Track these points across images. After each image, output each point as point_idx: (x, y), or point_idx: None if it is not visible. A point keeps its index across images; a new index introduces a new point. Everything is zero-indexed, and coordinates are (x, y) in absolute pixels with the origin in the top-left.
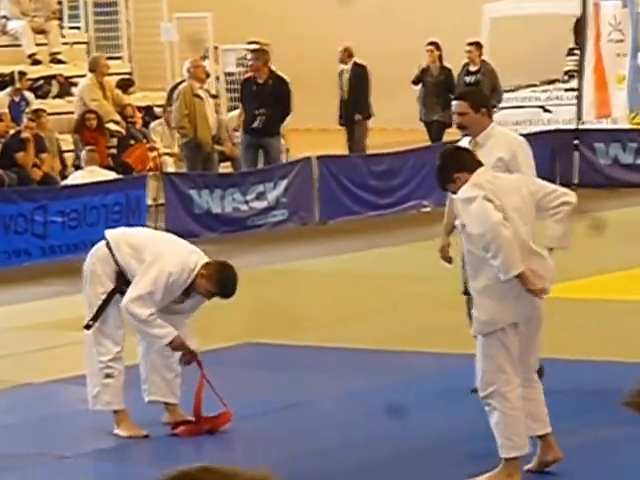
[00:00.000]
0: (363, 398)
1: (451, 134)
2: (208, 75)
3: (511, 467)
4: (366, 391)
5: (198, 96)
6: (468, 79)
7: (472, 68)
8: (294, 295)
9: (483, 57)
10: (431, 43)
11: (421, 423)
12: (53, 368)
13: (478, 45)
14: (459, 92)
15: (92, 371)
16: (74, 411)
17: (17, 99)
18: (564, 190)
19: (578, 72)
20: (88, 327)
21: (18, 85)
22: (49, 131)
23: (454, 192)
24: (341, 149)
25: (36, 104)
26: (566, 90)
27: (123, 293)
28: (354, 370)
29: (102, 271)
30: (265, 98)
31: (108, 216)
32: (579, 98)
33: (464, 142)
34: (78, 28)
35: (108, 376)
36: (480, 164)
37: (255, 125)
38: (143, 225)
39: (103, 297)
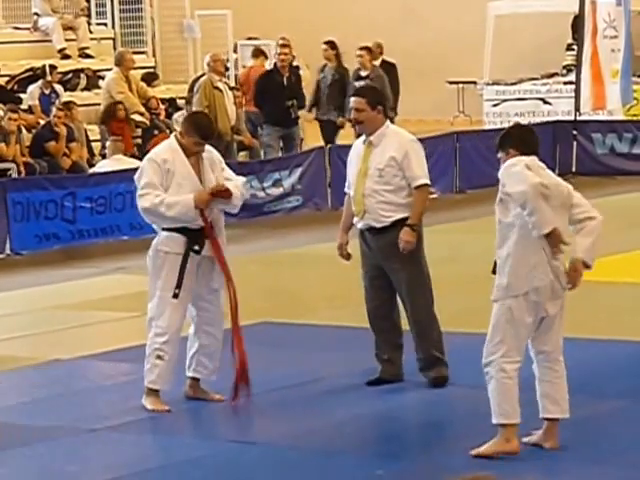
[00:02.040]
0: (374, 375)
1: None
2: (227, 68)
3: (507, 432)
4: (377, 368)
5: (218, 88)
6: (358, 84)
7: (363, 73)
8: (308, 277)
9: (374, 62)
10: (326, 42)
11: (430, 398)
12: (81, 345)
13: (369, 50)
14: (357, 89)
15: (148, 348)
16: (101, 385)
17: (47, 91)
18: (592, 207)
19: (576, 66)
20: (176, 296)
21: (49, 78)
22: (78, 122)
23: (499, 160)
24: (352, 139)
25: (65, 96)
26: (565, 83)
27: (195, 252)
28: (365, 348)
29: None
30: (293, 90)
31: (133, 202)
32: (577, 91)
33: (358, 142)
34: (105, 24)
35: (159, 357)
36: (535, 153)
37: (293, 116)
38: None
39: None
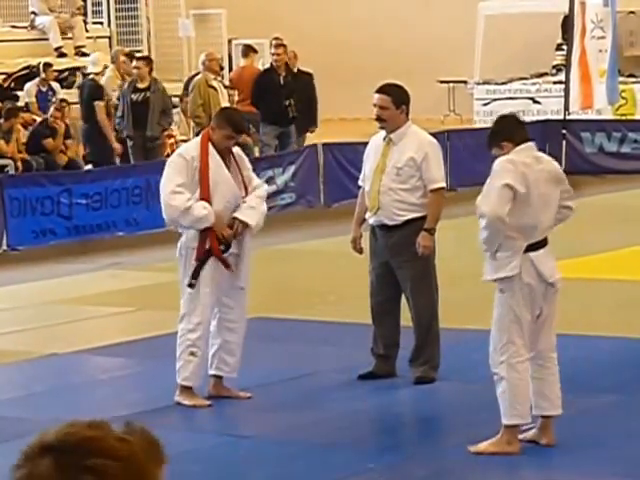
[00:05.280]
0: (367, 369)
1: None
2: (222, 67)
3: (510, 434)
4: (370, 364)
5: (212, 87)
6: (135, 97)
7: (140, 85)
8: (302, 273)
9: (154, 74)
10: (132, 56)
11: (423, 393)
12: (77, 340)
13: (148, 61)
14: (383, 86)
15: (180, 345)
16: (96, 380)
17: (44, 89)
18: (573, 195)
19: (565, 66)
20: (191, 286)
21: (43, 76)
22: (74, 119)
23: (496, 156)
24: (344, 137)
25: (61, 94)
26: (554, 83)
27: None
28: (358, 344)
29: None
30: (290, 90)
31: (129, 199)
32: (566, 90)
33: (377, 137)
34: (101, 23)
35: (192, 354)
36: (527, 139)
37: (291, 115)
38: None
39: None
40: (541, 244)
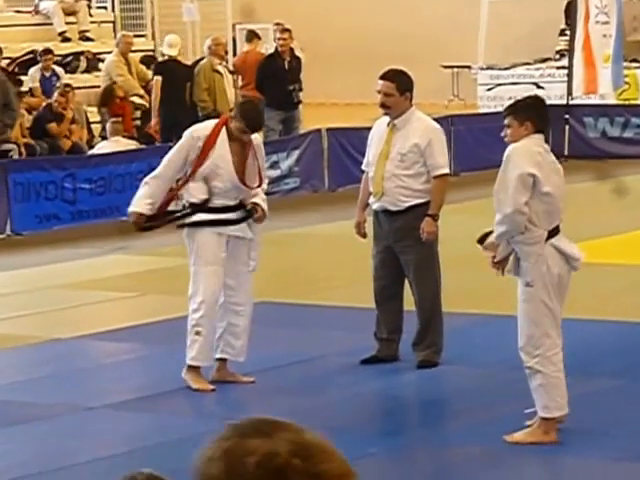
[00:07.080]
0: (370, 353)
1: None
2: (227, 52)
3: (549, 425)
4: (373, 348)
5: (217, 72)
6: None
7: None
8: (306, 257)
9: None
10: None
11: (426, 377)
12: (81, 324)
13: None
14: (387, 72)
15: (188, 325)
16: (100, 364)
17: (48, 74)
18: None
19: (569, 51)
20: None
21: (41, 64)
22: (78, 104)
23: (506, 125)
24: (349, 122)
25: (65, 79)
26: (558, 68)
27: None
28: (364, 328)
29: None
30: (294, 74)
31: (132, 183)
32: (569, 75)
33: (380, 122)
34: (105, 8)
35: (197, 333)
36: (545, 130)
37: (295, 100)
38: None
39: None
40: (558, 229)
